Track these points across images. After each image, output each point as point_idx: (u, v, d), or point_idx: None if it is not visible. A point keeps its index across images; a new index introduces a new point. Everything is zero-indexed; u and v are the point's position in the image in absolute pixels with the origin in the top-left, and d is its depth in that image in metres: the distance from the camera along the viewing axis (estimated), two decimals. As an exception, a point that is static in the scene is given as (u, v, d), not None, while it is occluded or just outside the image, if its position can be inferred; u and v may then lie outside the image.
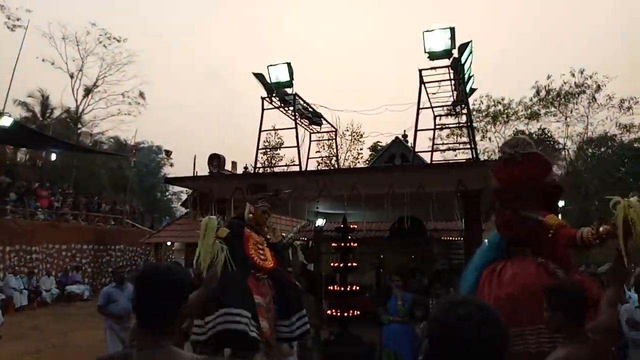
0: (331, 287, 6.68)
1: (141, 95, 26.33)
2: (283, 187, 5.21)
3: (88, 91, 25.13)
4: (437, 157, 6.95)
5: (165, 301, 1.51)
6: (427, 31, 5.91)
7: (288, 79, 6.59)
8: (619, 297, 2.37)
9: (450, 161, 7.09)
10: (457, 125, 8.06)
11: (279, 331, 3.60)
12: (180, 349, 1.52)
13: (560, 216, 2.98)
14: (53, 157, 20.17)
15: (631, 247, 2.17)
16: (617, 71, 39.11)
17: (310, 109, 7.62)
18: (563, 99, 23.42)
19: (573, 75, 23.03)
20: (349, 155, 27.73)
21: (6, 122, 12.89)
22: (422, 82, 5.94)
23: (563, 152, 24.47)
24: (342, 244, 6.71)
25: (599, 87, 22.70)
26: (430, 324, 1.13)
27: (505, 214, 3.05)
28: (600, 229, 2.38)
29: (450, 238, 9.70)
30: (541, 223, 2.74)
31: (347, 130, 27.20)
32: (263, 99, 6.72)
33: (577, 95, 23.15)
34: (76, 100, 25.02)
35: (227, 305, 3.14)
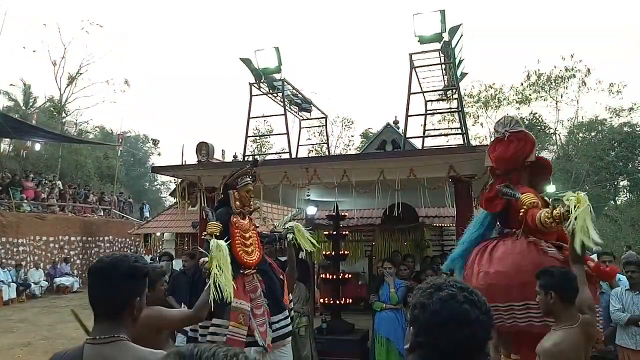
0: (323, 275, 6.66)
1: (126, 82, 25.83)
2: (273, 175, 5.13)
3: (71, 79, 24.56)
4: (430, 142, 6.88)
5: (118, 290, 1.43)
6: (417, 14, 5.78)
7: (276, 64, 6.41)
8: (584, 274, 2.41)
9: (442, 147, 7.03)
10: (449, 110, 7.99)
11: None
12: (133, 343, 1.43)
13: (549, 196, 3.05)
14: (37, 147, 19.77)
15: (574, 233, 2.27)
16: (609, 55, 39.41)
17: (299, 95, 7.48)
18: (553, 83, 23.50)
19: (563, 59, 23.10)
20: (340, 142, 27.71)
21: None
22: (412, 66, 5.83)
23: (554, 137, 24.66)
24: (334, 232, 6.67)
25: (589, 71, 22.81)
26: (413, 309, 1.10)
27: (487, 188, 3.21)
28: (555, 211, 2.45)
29: (443, 224, 9.72)
30: (518, 200, 2.78)
31: (338, 117, 27.13)
32: (251, 85, 6.56)
33: (567, 80, 23.24)
34: (59, 89, 24.49)
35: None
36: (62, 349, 1.50)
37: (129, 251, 17.95)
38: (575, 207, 2.27)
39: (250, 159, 7.91)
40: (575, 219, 2.25)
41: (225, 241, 2.97)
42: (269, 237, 4.02)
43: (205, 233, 3.30)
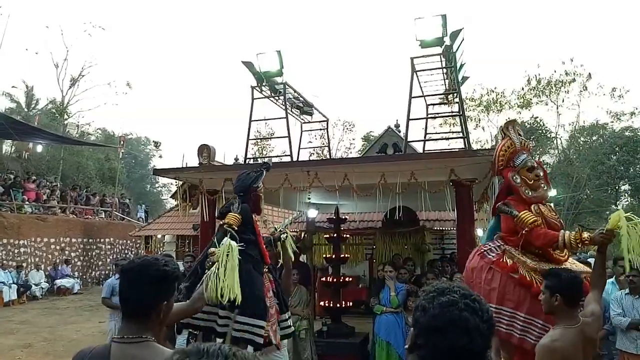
0: (324, 278, 6.65)
1: (128, 85, 25.94)
2: (275, 178, 5.14)
3: (74, 81, 24.66)
4: (431, 146, 6.90)
5: (147, 292, 1.47)
6: (419, 19, 5.81)
7: (278, 67, 6.44)
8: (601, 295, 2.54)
9: (443, 150, 7.03)
10: (450, 114, 8.00)
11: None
12: (160, 345, 1.47)
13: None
14: (39, 148, 19.83)
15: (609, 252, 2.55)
16: (612, 59, 39.42)
17: (301, 99, 7.50)
18: (554, 88, 23.53)
19: (563, 63, 23.14)
20: (341, 146, 27.76)
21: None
22: (413, 70, 5.85)
23: (555, 141, 24.66)
24: (335, 235, 6.68)
25: (590, 76, 22.83)
26: (415, 312, 1.11)
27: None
28: (584, 235, 2.60)
29: (443, 228, 9.72)
30: (515, 218, 2.91)
31: (339, 120, 27.19)
32: (253, 88, 6.59)
33: (568, 84, 23.26)
34: (62, 91, 24.58)
35: (257, 316, 3.05)
36: (87, 346, 1.52)
37: (130, 253, 17.97)
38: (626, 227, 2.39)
39: (252, 161, 7.93)
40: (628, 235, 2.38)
41: (251, 237, 3.00)
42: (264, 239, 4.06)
43: (224, 222, 3.25)
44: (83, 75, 24.76)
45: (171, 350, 1.44)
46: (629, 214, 2.48)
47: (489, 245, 3.10)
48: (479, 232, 5.60)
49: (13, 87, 23.92)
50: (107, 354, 1.41)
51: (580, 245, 2.65)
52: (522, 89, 24.17)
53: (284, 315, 3.48)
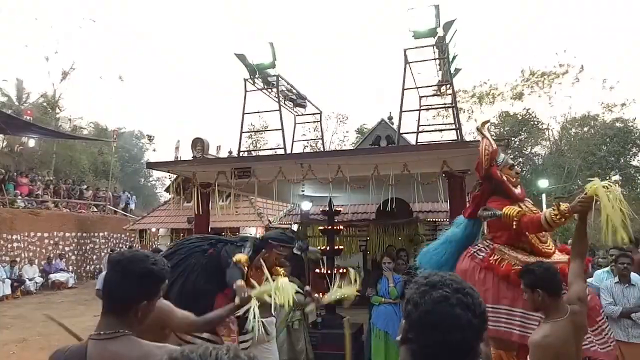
0: (318, 270, 6.68)
1: (120, 78, 25.70)
2: (268, 170, 5.14)
3: (65, 75, 24.37)
4: (424, 138, 6.93)
5: (129, 287, 1.42)
6: (411, 9, 5.81)
7: (271, 59, 6.42)
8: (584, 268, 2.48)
9: (435, 142, 7.06)
10: (443, 106, 8.02)
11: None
12: (140, 339, 1.42)
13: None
14: (32, 143, 19.64)
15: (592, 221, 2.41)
16: (604, 51, 39.57)
17: (294, 91, 7.48)
18: (547, 80, 23.62)
19: (556, 54, 23.22)
20: (334, 138, 27.75)
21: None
22: (406, 62, 5.86)
23: (547, 132, 24.80)
24: (329, 227, 6.70)
25: (582, 68, 22.94)
26: (406, 306, 1.11)
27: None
28: (562, 207, 2.55)
29: (437, 219, 9.79)
30: (501, 217, 2.90)
31: (333, 113, 27.17)
32: (246, 80, 6.56)
33: (561, 76, 23.36)
34: (53, 84, 24.29)
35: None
36: (63, 345, 1.47)
37: (124, 247, 17.93)
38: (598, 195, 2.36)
39: (245, 154, 7.90)
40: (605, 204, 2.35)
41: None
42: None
43: (236, 260, 3.18)
44: (74, 69, 24.51)
45: (151, 344, 1.40)
46: (605, 181, 2.46)
47: (479, 246, 3.07)
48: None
49: (4, 80, 23.62)
50: (83, 352, 1.37)
51: (562, 219, 2.58)
52: (515, 80, 24.27)
53: (244, 337, 3.35)
